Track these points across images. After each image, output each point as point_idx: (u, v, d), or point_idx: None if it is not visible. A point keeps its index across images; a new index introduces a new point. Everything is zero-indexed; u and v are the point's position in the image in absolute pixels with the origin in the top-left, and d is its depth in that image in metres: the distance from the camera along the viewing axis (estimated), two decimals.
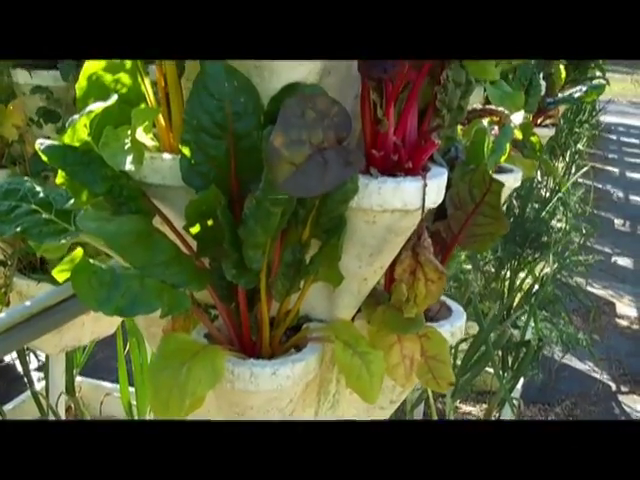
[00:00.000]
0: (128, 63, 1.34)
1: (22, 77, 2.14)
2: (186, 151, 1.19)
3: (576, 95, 2.86)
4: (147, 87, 1.34)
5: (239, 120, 1.19)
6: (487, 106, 1.52)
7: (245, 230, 1.13)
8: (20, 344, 1.66)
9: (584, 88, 2.85)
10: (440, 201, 1.27)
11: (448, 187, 1.32)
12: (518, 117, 1.61)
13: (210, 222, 1.19)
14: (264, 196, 1.11)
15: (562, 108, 4.55)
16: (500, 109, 1.52)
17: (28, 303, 1.65)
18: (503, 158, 1.54)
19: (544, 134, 3.44)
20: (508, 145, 1.54)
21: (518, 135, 1.88)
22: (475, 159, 1.44)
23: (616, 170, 8.73)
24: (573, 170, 6.61)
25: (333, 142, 1.10)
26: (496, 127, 1.63)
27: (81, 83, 1.36)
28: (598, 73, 4.73)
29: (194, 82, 1.20)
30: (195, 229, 1.19)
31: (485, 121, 1.53)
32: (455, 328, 1.46)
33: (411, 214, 1.23)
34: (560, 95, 2.95)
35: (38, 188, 1.47)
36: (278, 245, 1.24)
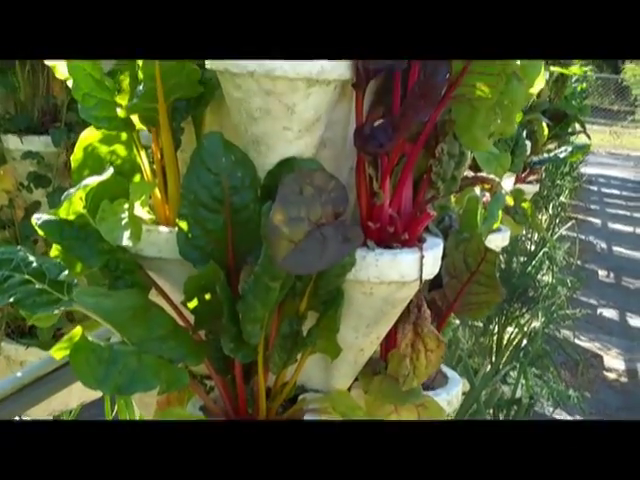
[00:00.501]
0: (124, 135, 1.35)
1: (13, 142, 2.15)
2: (183, 225, 1.20)
3: (561, 155, 2.90)
4: (142, 158, 1.35)
5: (236, 194, 1.20)
6: (478, 174, 1.54)
7: (244, 305, 1.13)
8: (12, 415, 1.63)
9: (569, 148, 2.90)
10: (437, 272, 1.28)
11: (443, 256, 1.33)
12: (508, 183, 1.63)
13: (208, 296, 1.18)
14: (263, 271, 1.11)
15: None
16: (491, 177, 1.54)
17: (19, 374, 1.63)
18: (495, 225, 1.56)
19: (529, 190, 3.49)
20: (500, 212, 1.56)
21: (509, 201, 1.90)
22: (469, 227, 1.45)
23: (598, 221, 8.82)
24: (556, 221, 6.68)
25: (331, 217, 1.11)
26: (487, 194, 1.65)
27: (77, 155, 1.37)
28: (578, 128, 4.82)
29: (191, 156, 1.21)
30: (193, 303, 1.19)
31: (477, 189, 1.55)
32: (452, 396, 1.45)
33: (408, 285, 1.24)
34: (546, 155, 3.00)
35: (31, 258, 1.46)
36: (275, 317, 1.24)
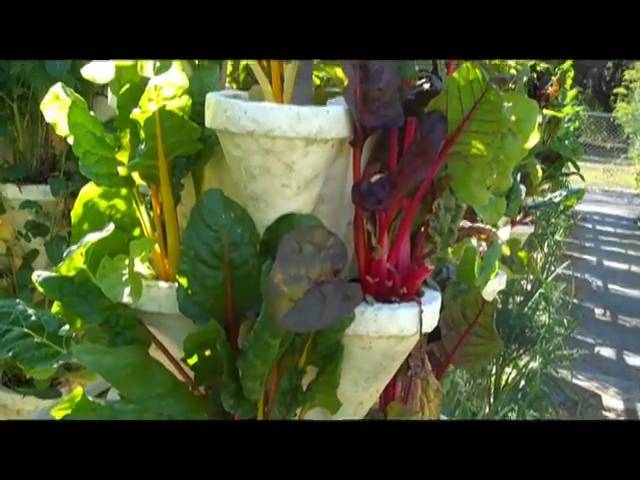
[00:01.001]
0: (123, 190, 1.37)
1: (11, 192, 2.17)
2: (183, 281, 1.20)
3: (556, 200, 2.93)
4: (142, 212, 1.36)
5: (236, 250, 1.21)
6: (474, 224, 1.56)
7: (244, 362, 1.14)
8: None
9: (564, 192, 2.93)
10: (435, 325, 1.29)
11: (441, 308, 1.34)
12: (505, 232, 1.64)
13: (208, 353, 1.19)
14: (263, 329, 1.11)
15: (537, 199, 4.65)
16: (487, 227, 1.55)
17: None
18: (493, 274, 1.57)
19: (524, 231, 3.51)
20: (497, 262, 1.57)
21: (506, 251, 1.92)
22: (466, 278, 1.46)
23: (593, 259, 8.84)
24: (552, 260, 6.69)
25: (330, 274, 1.12)
26: (484, 243, 1.67)
27: (77, 210, 1.38)
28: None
29: (191, 213, 1.22)
30: (193, 360, 1.19)
31: (473, 239, 1.56)
32: None
33: (407, 339, 1.24)
34: (540, 199, 3.02)
35: (30, 310, 1.47)
36: (275, 372, 1.24)
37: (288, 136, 1.13)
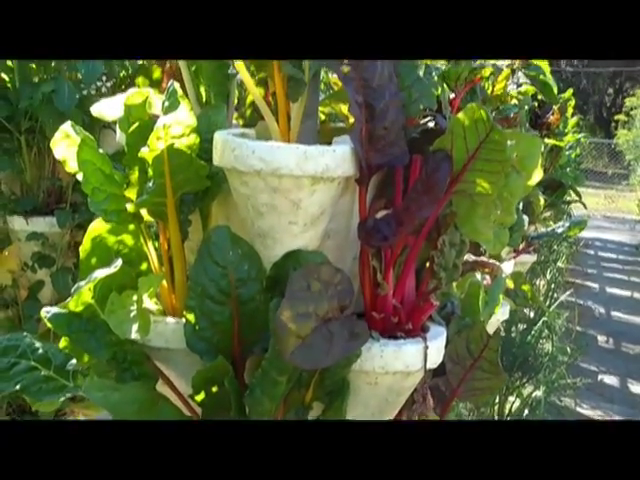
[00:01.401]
0: (131, 225, 1.38)
1: (18, 224, 2.18)
2: (190, 317, 1.21)
3: (559, 230, 2.94)
4: (149, 248, 1.37)
5: (243, 286, 1.22)
6: (478, 258, 1.57)
7: (251, 399, 1.14)
8: None
9: (567, 223, 2.94)
10: (440, 361, 1.30)
11: (445, 343, 1.34)
12: (508, 266, 1.66)
13: (215, 389, 1.20)
14: (270, 366, 1.12)
15: (540, 227, 4.66)
16: (491, 261, 1.57)
17: None
18: (497, 308, 1.58)
19: (527, 260, 3.51)
20: (501, 296, 1.58)
21: (509, 284, 1.93)
22: (471, 312, 1.47)
23: (596, 286, 8.83)
24: (554, 287, 6.68)
25: (337, 311, 1.13)
26: (488, 277, 1.68)
27: (85, 245, 1.39)
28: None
29: (199, 250, 1.24)
30: (200, 396, 1.20)
31: (477, 273, 1.58)
32: None
33: (413, 375, 1.25)
34: (543, 230, 3.03)
35: (37, 344, 1.48)
36: (281, 408, 1.25)
37: (295, 175, 1.14)
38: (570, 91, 5.60)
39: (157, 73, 1.54)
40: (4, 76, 2.06)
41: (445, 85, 1.42)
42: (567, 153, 6.11)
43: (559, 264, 7.33)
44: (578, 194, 4.89)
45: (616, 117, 12.11)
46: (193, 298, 1.22)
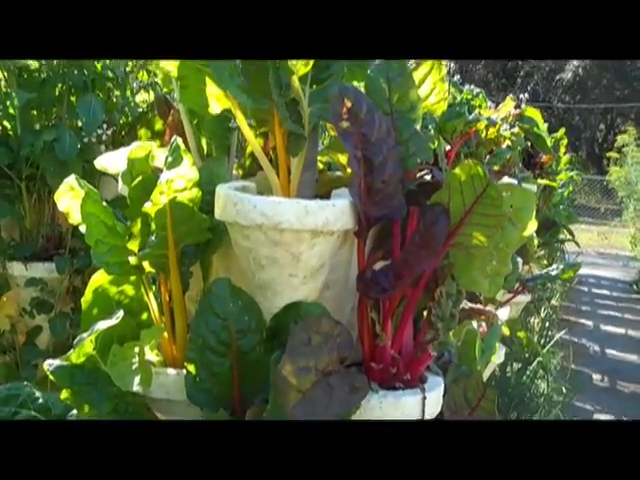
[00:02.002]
0: (133, 276, 1.40)
1: (17, 269, 2.19)
2: (191, 369, 1.23)
3: (553, 273, 2.97)
4: (150, 298, 1.39)
5: (243, 337, 1.24)
6: (474, 305, 1.59)
7: None
8: None
9: (561, 266, 2.97)
10: (438, 411, 1.31)
11: (443, 392, 1.36)
12: (504, 313, 1.68)
13: None
14: (272, 418, 1.13)
15: (534, 267, 4.68)
16: (487, 309, 1.58)
17: None
18: (493, 357, 1.59)
19: (521, 300, 3.53)
20: (497, 344, 1.60)
21: (505, 331, 1.94)
22: (467, 361, 1.49)
23: (590, 323, 8.83)
24: (548, 325, 6.68)
25: (337, 364, 1.15)
26: (484, 324, 1.70)
27: (87, 296, 1.41)
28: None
29: (200, 302, 1.25)
30: None
31: (474, 321, 1.59)
32: None
33: None
34: (537, 272, 3.06)
35: (37, 393, 1.48)
36: None
37: (296, 229, 1.16)
38: (562, 130, 5.67)
39: (159, 124, 1.57)
40: (6, 123, 2.09)
41: (441, 137, 1.45)
42: (560, 191, 6.16)
43: (553, 302, 7.34)
44: (571, 233, 4.92)
45: (608, 154, 12.20)
46: (194, 350, 1.23)
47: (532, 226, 1.35)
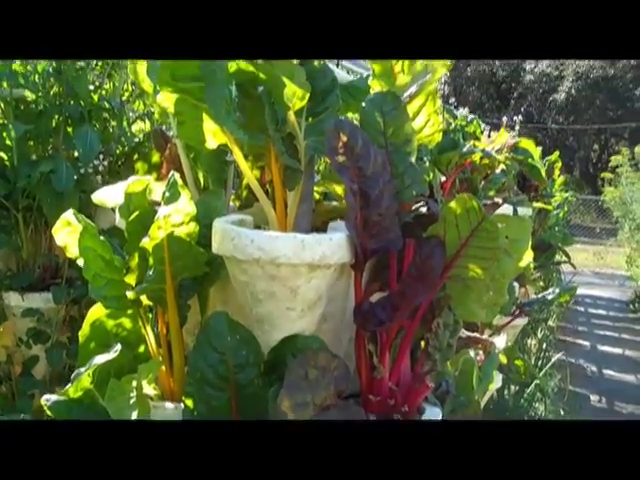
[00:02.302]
0: (130, 310, 1.40)
1: (14, 300, 2.19)
2: (189, 403, 1.23)
3: (549, 297, 2.97)
4: (147, 331, 1.39)
5: (241, 371, 1.24)
6: (472, 334, 1.59)
7: None
8: None
9: (557, 290, 2.98)
10: None
11: None
12: (501, 341, 1.68)
13: None
14: None
15: (532, 292, 4.69)
16: (485, 337, 1.59)
17: None
18: (491, 386, 1.59)
19: (518, 323, 3.53)
20: (495, 373, 1.60)
21: (503, 359, 1.94)
22: (465, 390, 1.49)
23: (587, 343, 8.82)
24: (545, 346, 6.68)
25: (334, 397, 1.15)
26: (481, 352, 1.70)
27: (84, 330, 1.41)
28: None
29: (197, 336, 1.25)
30: None
31: (471, 350, 1.59)
32: None
33: None
34: (534, 296, 3.06)
35: None
36: None
37: (293, 263, 1.17)
38: (556, 153, 5.71)
39: (156, 157, 1.58)
40: (2, 154, 2.09)
41: (436, 169, 1.46)
42: (555, 212, 6.19)
43: (550, 323, 7.34)
44: (567, 255, 4.93)
45: (602, 175, 12.25)
46: (191, 384, 1.23)
47: (528, 256, 1.35)
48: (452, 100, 6.82)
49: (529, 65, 23.88)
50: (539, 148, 5.62)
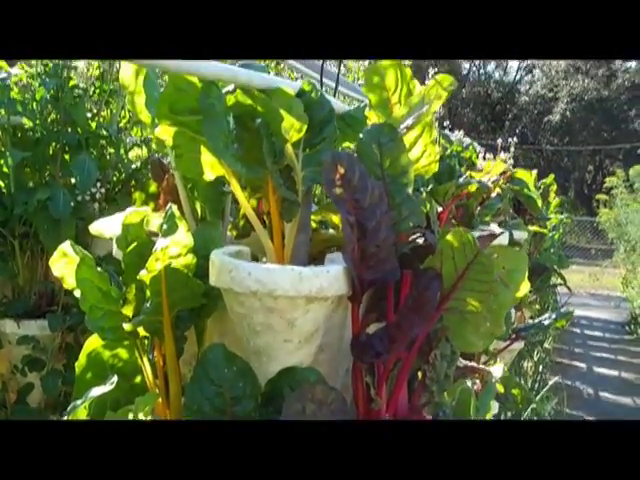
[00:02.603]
0: (127, 341, 1.40)
1: (9, 327, 2.18)
2: None
3: (546, 322, 2.98)
4: (144, 362, 1.39)
5: (238, 404, 1.23)
6: (469, 364, 1.59)
7: None
8: None
9: (553, 315, 2.98)
10: None
11: None
12: (498, 371, 1.68)
13: None
14: None
15: (528, 314, 4.69)
16: (481, 367, 1.59)
17: None
18: (488, 415, 1.59)
19: (515, 347, 3.53)
20: (492, 402, 1.60)
21: (500, 389, 1.94)
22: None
23: (583, 365, 8.81)
24: (542, 368, 6.67)
25: None
26: (478, 382, 1.69)
27: (81, 361, 1.40)
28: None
29: (194, 368, 1.25)
30: None
31: (468, 380, 1.59)
32: None
33: None
34: (530, 321, 3.06)
35: None
36: None
37: (290, 296, 1.17)
38: (552, 176, 5.74)
39: (153, 187, 1.58)
40: (0, 182, 2.10)
41: (433, 200, 1.46)
42: (551, 234, 6.20)
43: (546, 345, 7.34)
44: (563, 277, 4.94)
45: (597, 196, 12.30)
46: (188, 416, 1.23)
47: (525, 287, 1.35)
48: (447, 123, 6.85)
49: (524, 87, 24.04)
50: (534, 171, 5.65)
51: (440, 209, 1.51)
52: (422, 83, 1.46)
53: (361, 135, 1.33)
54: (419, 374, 1.36)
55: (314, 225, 1.62)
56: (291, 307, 1.19)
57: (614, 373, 8.70)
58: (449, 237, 1.17)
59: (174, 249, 1.25)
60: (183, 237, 1.26)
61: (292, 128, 1.24)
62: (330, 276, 1.19)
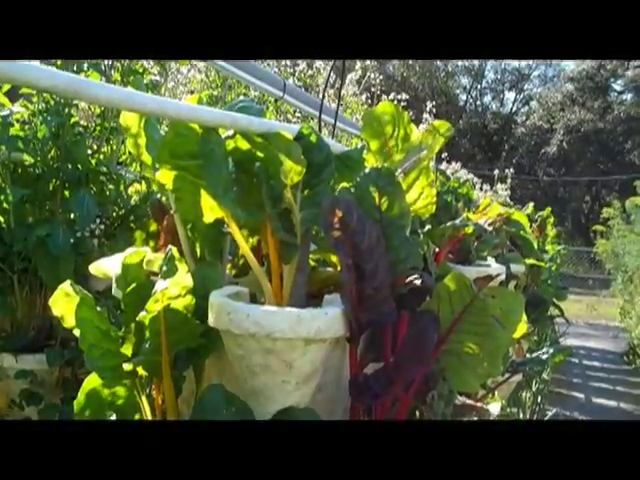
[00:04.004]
0: (126, 380, 1.40)
1: (7, 361, 2.18)
2: None
3: (544, 357, 2.98)
4: (142, 401, 1.39)
5: None
6: (466, 402, 1.60)
7: None
8: None
9: (551, 350, 2.99)
10: None
11: None
12: (495, 408, 1.68)
13: None
14: None
15: (525, 346, 4.69)
16: (479, 405, 1.59)
17: None
18: None
19: (513, 380, 3.52)
20: None
21: None
22: None
23: (582, 396, 8.78)
24: (541, 399, 6.65)
25: None
26: (476, 419, 1.69)
27: (79, 399, 1.41)
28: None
29: (194, 408, 1.26)
30: None
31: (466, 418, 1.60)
32: None
33: None
34: (528, 356, 3.06)
35: None
36: None
37: (288, 337, 1.18)
38: (548, 209, 5.77)
39: (153, 226, 1.59)
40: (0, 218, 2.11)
41: (430, 242, 1.48)
42: (548, 265, 6.22)
43: (544, 376, 7.32)
44: (561, 310, 4.95)
45: (594, 227, 12.35)
46: None
47: (522, 328, 1.36)
48: (445, 154, 6.89)
49: (520, 118, 24.20)
50: (531, 203, 5.66)
51: (437, 249, 1.52)
52: (420, 114, 1.48)
53: (359, 178, 1.35)
54: (416, 414, 1.37)
55: (313, 264, 1.63)
56: (289, 349, 1.20)
57: (613, 404, 8.67)
58: (446, 281, 1.18)
59: (173, 290, 1.26)
60: (182, 278, 1.27)
61: (291, 171, 1.26)
62: (328, 318, 1.21)
